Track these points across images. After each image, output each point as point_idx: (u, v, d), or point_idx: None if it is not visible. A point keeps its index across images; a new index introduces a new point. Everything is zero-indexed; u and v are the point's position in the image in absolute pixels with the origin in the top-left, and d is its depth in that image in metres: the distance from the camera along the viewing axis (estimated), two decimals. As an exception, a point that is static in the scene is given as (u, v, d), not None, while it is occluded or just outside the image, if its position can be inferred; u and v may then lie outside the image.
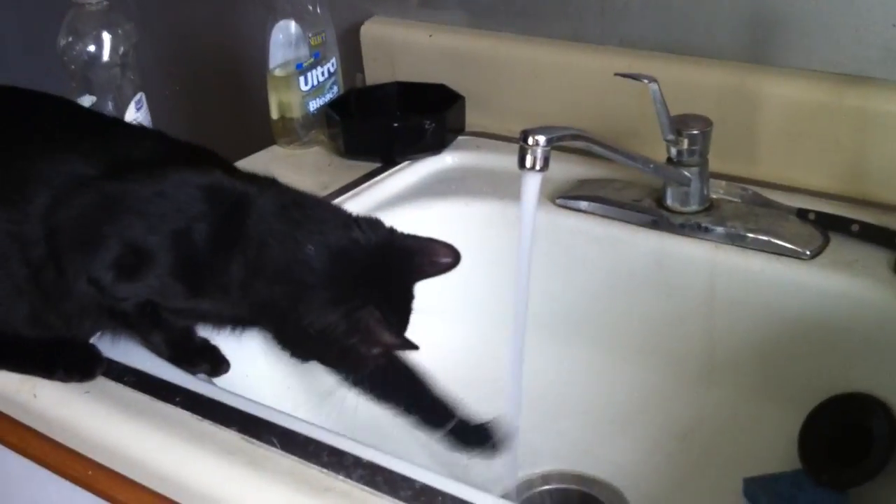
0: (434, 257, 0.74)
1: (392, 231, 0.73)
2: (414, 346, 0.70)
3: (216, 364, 0.79)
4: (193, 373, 0.77)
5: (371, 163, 1.09)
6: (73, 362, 0.75)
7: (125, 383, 0.74)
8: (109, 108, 1.07)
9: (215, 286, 0.70)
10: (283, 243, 0.68)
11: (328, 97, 1.16)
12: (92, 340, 0.79)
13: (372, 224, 0.72)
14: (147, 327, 0.77)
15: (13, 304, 0.74)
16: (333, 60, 1.16)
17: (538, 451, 0.88)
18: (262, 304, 0.70)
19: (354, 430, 0.71)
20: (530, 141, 0.75)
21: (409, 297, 0.74)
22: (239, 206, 0.70)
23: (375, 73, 1.23)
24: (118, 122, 0.93)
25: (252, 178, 0.74)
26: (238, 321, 0.75)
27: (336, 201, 1.01)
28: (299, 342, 0.71)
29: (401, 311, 0.73)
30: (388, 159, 1.08)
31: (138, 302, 0.73)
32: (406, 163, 1.08)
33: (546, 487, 0.87)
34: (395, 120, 1.12)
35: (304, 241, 0.69)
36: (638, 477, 0.85)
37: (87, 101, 1.06)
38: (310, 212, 0.71)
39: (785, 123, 0.95)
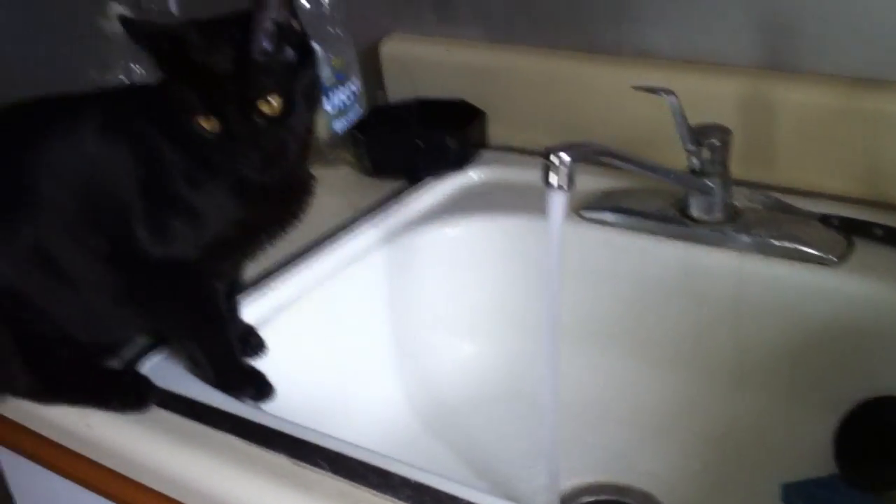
0: None
1: None
2: None
3: (262, 389, 0.82)
4: (240, 398, 0.79)
5: (396, 181, 1.11)
6: (126, 393, 0.78)
7: (176, 411, 0.77)
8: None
9: None
10: None
11: (352, 116, 1.18)
12: (143, 371, 0.82)
13: None
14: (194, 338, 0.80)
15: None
16: (356, 80, 1.18)
17: (577, 462, 0.90)
18: None
19: (391, 449, 0.73)
20: (553, 159, 0.75)
21: None
22: None
23: (396, 89, 1.24)
24: None
25: None
26: None
27: (365, 220, 1.03)
28: None
29: None
30: (414, 177, 1.11)
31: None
32: (431, 180, 1.10)
33: (587, 499, 0.88)
34: (419, 137, 1.14)
35: None
36: (675, 484, 0.87)
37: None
38: None
39: (803, 128, 0.96)
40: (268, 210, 0.79)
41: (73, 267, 0.76)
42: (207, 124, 0.70)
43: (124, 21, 0.71)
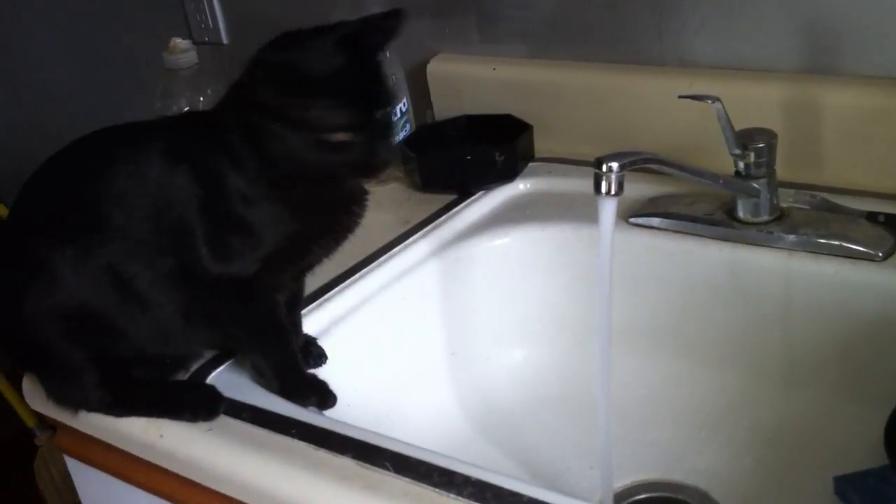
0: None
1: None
2: None
3: (325, 397, 0.84)
4: (304, 405, 0.82)
5: (447, 195, 1.14)
6: (197, 403, 0.82)
7: (244, 419, 0.80)
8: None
9: None
10: None
11: (402, 135, 1.21)
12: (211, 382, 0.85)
13: None
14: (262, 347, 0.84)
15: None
16: (405, 100, 1.21)
17: (630, 461, 0.91)
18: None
19: (447, 452, 0.75)
20: (604, 168, 0.78)
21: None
22: None
23: (444, 107, 1.27)
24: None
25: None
26: None
27: (418, 234, 1.06)
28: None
29: None
30: (464, 190, 1.13)
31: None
32: (480, 193, 1.13)
33: (640, 496, 0.90)
34: (468, 152, 1.16)
35: None
36: (729, 481, 0.88)
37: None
38: None
39: (848, 129, 0.97)
40: (323, 223, 0.83)
41: (144, 287, 0.80)
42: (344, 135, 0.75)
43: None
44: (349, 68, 0.75)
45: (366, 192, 0.85)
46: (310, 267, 0.87)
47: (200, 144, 0.80)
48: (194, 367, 0.87)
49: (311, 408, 0.83)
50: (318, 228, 0.83)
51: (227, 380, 0.86)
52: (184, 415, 0.81)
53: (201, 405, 0.81)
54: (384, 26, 0.78)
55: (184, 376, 0.87)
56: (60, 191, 0.82)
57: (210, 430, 0.80)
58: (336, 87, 0.75)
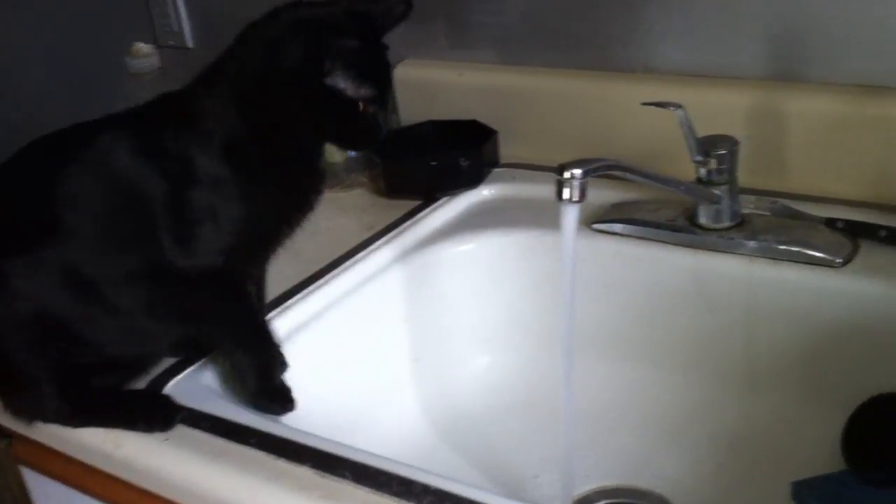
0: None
1: None
2: None
3: (287, 403, 0.84)
4: (271, 411, 0.82)
5: (412, 201, 1.13)
6: (152, 414, 0.81)
7: (202, 429, 0.79)
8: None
9: None
10: None
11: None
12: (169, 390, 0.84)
13: None
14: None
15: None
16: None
17: (594, 467, 0.91)
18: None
19: (411, 460, 0.75)
20: (567, 174, 0.78)
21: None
22: None
23: (411, 113, 1.27)
24: None
25: None
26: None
27: (382, 239, 1.05)
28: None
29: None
30: (429, 196, 1.13)
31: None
32: (445, 198, 1.12)
33: (602, 503, 0.90)
34: (433, 158, 1.16)
35: None
36: (690, 488, 0.88)
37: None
38: None
39: (810, 136, 0.98)
40: (294, 200, 0.83)
41: (106, 288, 0.78)
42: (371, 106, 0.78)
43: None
44: (366, 44, 0.77)
45: (325, 172, 0.86)
46: (274, 250, 0.86)
47: (157, 132, 0.79)
48: (154, 373, 0.86)
49: (267, 414, 0.82)
50: (289, 206, 0.83)
51: (187, 388, 0.85)
52: (138, 426, 0.80)
53: (156, 416, 0.80)
54: (395, 10, 0.80)
55: (145, 380, 0.86)
56: (9, 199, 0.80)
57: (167, 440, 0.79)
58: (363, 60, 0.77)
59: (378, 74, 0.79)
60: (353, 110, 0.78)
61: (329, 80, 0.76)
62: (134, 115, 0.83)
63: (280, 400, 0.83)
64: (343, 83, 0.76)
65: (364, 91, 0.77)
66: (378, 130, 0.80)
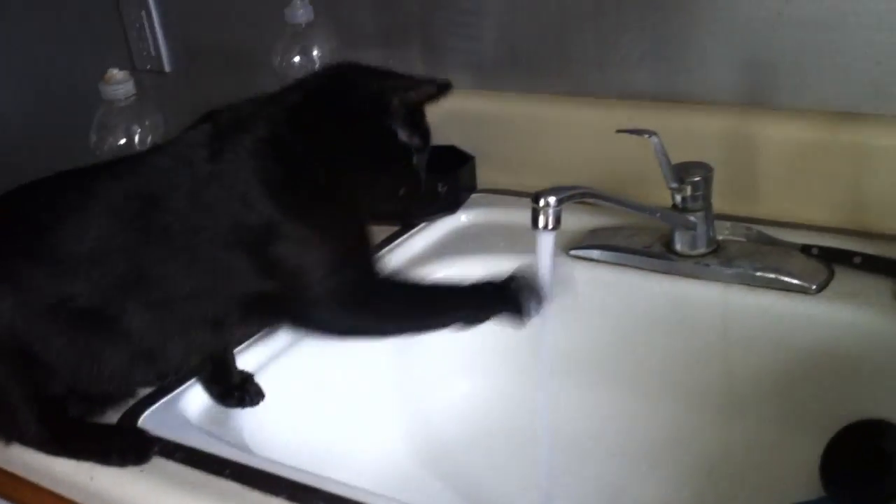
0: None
1: None
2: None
3: (253, 395, 0.87)
4: (233, 406, 0.85)
5: (389, 226, 1.13)
6: (125, 448, 0.80)
7: (176, 460, 0.78)
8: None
9: None
10: None
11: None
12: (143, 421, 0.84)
13: None
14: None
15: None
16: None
17: (570, 494, 0.91)
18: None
19: (389, 487, 0.75)
20: (542, 202, 0.79)
21: None
22: None
23: (388, 138, 1.27)
24: None
25: None
26: None
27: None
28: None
29: None
30: (406, 222, 1.13)
31: None
32: (423, 224, 1.12)
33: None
34: (410, 183, 1.16)
35: None
36: (668, 515, 0.89)
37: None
38: None
39: (784, 162, 0.99)
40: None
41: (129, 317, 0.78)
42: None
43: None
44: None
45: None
46: None
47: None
48: (130, 403, 0.86)
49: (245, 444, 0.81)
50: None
51: (162, 418, 0.84)
52: (112, 460, 0.79)
53: (130, 450, 0.79)
54: (436, 94, 0.83)
55: (122, 409, 0.85)
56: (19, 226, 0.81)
57: (142, 471, 0.78)
58: (417, 114, 0.83)
59: (425, 132, 0.84)
60: (406, 155, 0.82)
61: (391, 121, 0.80)
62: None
63: (244, 392, 0.88)
64: (401, 128, 0.81)
65: (415, 140, 0.82)
66: (420, 180, 0.85)
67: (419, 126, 0.83)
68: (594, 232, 1.03)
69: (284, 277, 0.77)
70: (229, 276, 0.77)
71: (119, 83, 1.08)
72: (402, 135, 0.82)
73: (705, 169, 0.93)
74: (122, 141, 1.09)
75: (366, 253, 0.83)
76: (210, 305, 0.79)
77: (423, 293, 0.83)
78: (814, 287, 0.88)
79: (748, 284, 0.91)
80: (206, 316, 0.79)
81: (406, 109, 0.81)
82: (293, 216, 0.78)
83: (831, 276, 0.90)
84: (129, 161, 0.83)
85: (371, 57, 1.25)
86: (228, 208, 0.77)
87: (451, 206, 1.14)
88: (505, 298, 0.80)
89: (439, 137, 1.19)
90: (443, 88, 0.83)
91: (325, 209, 0.80)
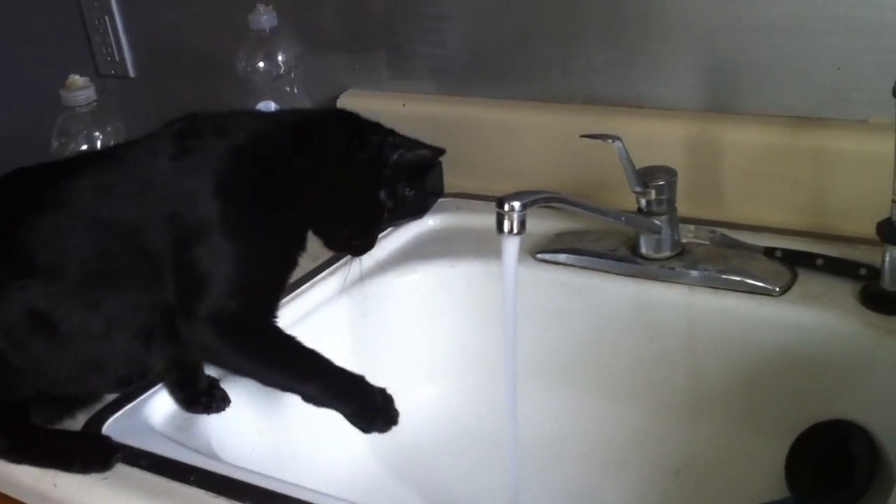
0: None
1: None
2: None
3: (219, 401, 0.86)
4: (199, 412, 0.85)
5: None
6: (88, 456, 0.79)
7: (141, 467, 0.77)
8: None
9: None
10: None
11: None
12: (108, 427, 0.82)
13: None
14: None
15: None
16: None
17: (538, 497, 0.91)
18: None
19: (357, 493, 0.74)
20: (506, 207, 0.79)
21: None
22: None
23: (354, 143, 1.27)
24: None
25: None
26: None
27: (326, 271, 1.05)
28: None
29: None
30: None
31: None
32: (390, 229, 1.12)
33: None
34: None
35: None
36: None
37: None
38: None
39: (746, 166, 1.00)
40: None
41: (80, 328, 0.77)
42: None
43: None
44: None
45: None
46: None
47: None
48: (94, 409, 0.85)
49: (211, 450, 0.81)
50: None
51: (126, 425, 0.83)
52: (74, 467, 0.78)
53: (93, 457, 0.78)
54: (431, 160, 0.92)
55: (86, 415, 0.84)
56: None
57: (106, 479, 0.77)
58: (413, 173, 0.90)
59: (403, 199, 0.88)
60: (377, 212, 0.87)
61: (387, 171, 0.85)
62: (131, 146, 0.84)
63: (210, 398, 0.87)
64: (385, 186, 0.86)
65: (390, 203, 0.86)
66: (374, 238, 0.91)
67: (400, 191, 0.87)
68: (560, 236, 1.04)
69: (187, 283, 0.77)
70: (152, 278, 0.77)
71: (80, 89, 1.07)
72: (384, 193, 0.86)
73: (669, 173, 0.94)
74: (84, 147, 1.09)
75: (270, 293, 0.83)
76: (139, 315, 0.79)
77: (292, 354, 0.83)
78: (777, 289, 0.89)
79: (713, 287, 0.92)
80: (137, 328, 0.79)
81: (397, 170, 0.85)
82: (227, 224, 0.78)
83: (794, 278, 0.91)
84: (97, 154, 0.83)
85: (336, 62, 1.26)
86: (175, 200, 0.77)
87: (418, 211, 1.14)
88: (363, 403, 0.82)
89: (406, 142, 1.21)
90: (437, 154, 0.90)
91: (262, 233, 0.80)
